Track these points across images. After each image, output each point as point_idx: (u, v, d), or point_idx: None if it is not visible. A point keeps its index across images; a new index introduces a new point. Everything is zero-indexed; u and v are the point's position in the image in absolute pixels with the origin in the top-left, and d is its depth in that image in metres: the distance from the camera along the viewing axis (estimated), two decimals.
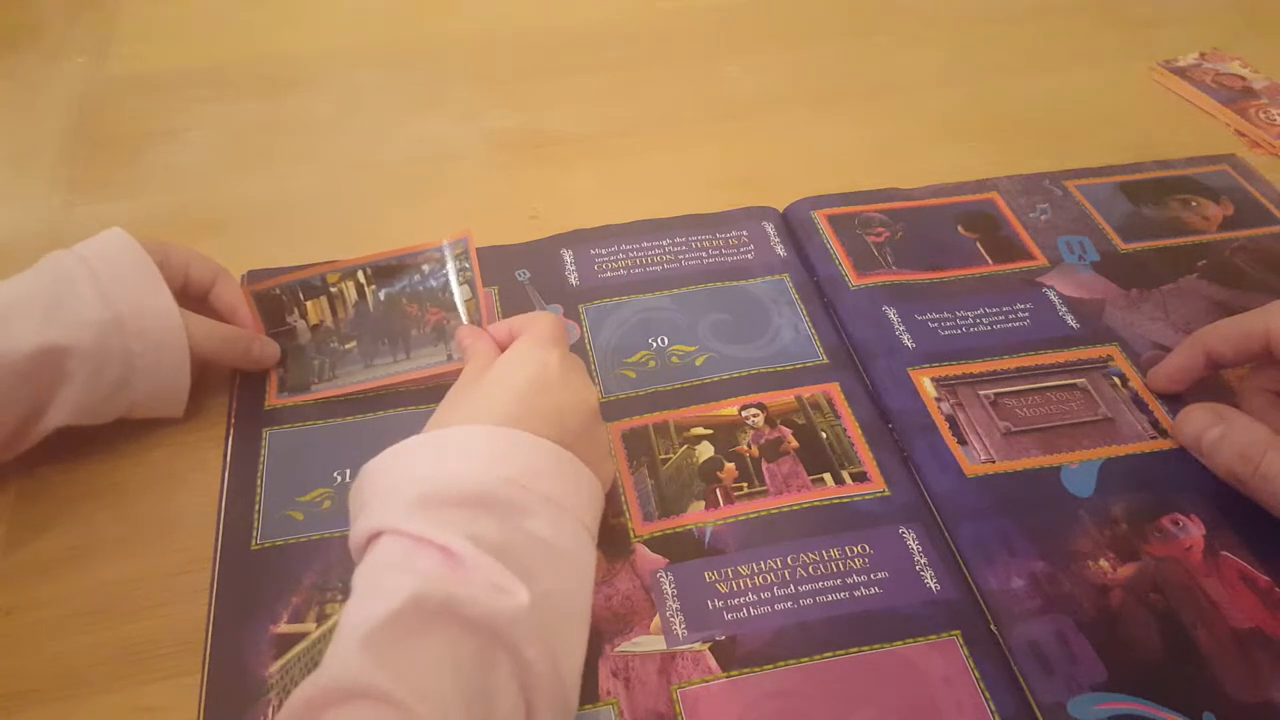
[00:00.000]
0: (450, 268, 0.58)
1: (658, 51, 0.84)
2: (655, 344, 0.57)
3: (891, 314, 0.58)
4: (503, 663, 0.35)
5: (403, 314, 0.57)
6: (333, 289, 0.58)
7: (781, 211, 0.67)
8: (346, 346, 0.56)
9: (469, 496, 0.38)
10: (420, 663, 0.33)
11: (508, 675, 0.35)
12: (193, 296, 0.53)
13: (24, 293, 0.47)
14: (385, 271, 0.59)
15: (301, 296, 0.58)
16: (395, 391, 0.54)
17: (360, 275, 0.59)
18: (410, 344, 0.56)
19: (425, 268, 0.59)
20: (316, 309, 0.58)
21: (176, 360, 0.50)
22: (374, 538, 0.38)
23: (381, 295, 0.58)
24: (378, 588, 0.36)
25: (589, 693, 0.42)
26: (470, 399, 0.44)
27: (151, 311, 0.49)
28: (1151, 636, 0.44)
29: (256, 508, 0.49)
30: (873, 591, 0.45)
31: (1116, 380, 0.55)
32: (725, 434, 0.52)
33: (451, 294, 0.58)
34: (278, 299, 0.58)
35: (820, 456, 0.51)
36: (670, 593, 0.45)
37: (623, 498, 0.49)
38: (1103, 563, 0.47)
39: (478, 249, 0.62)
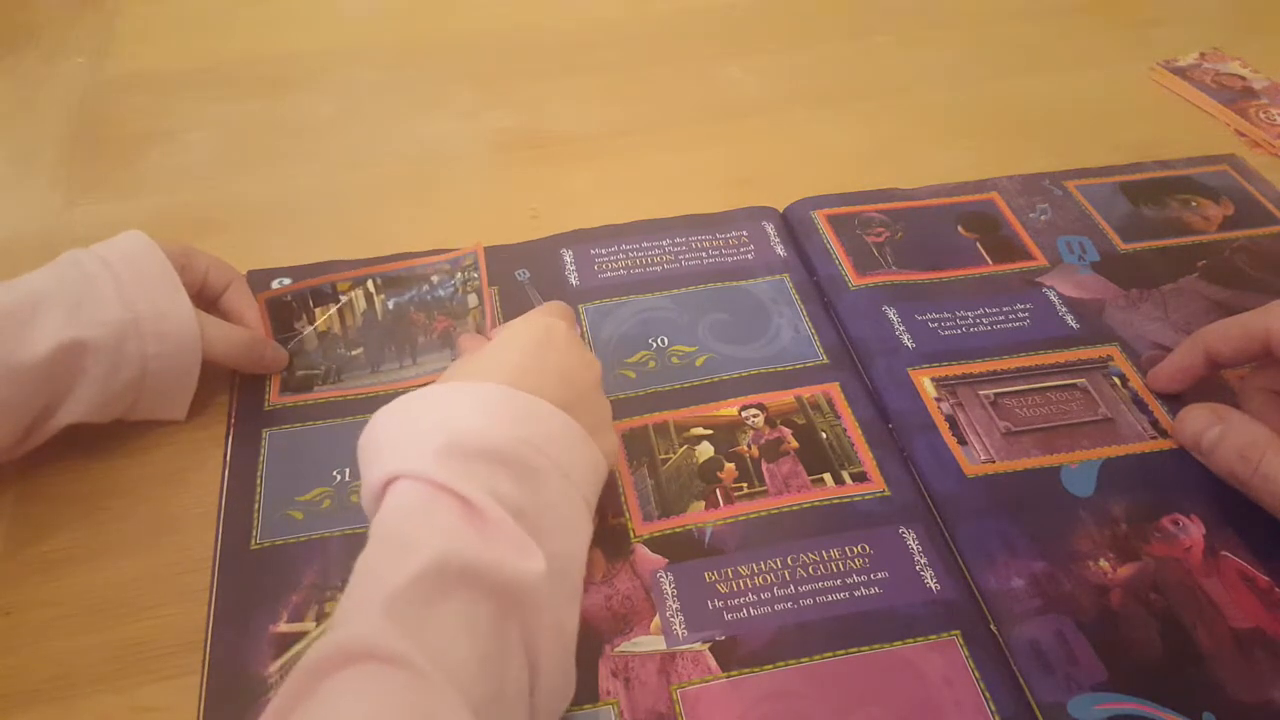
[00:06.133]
0: (458, 279, 0.59)
1: (658, 51, 0.84)
2: (655, 344, 0.57)
3: (891, 314, 0.58)
4: (514, 627, 0.35)
5: (410, 322, 0.58)
6: (343, 297, 0.59)
7: (781, 211, 0.67)
8: (353, 353, 0.56)
9: (490, 452, 0.38)
10: (440, 627, 0.33)
11: (517, 639, 0.35)
12: (206, 299, 0.54)
13: (46, 290, 0.47)
14: (394, 282, 0.60)
15: (311, 304, 0.58)
16: (396, 392, 0.54)
17: (370, 284, 0.59)
18: (417, 350, 0.56)
19: (434, 278, 0.59)
20: (325, 316, 0.58)
21: (187, 365, 0.50)
22: (389, 484, 0.38)
23: (390, 304, 0.59)
24: (400, 540, 0.36)
25: (589, 693, 0.42)
26: (478, 358, 0.44)
27: (169, 315, 0.49)
28: (1151, 636, 0.44)
29: (256, 507, 0.49)
30: (873, 591, 0.45)
31: (1116, 380, 0.55)
32: (725, 434, 0.52)
33: (459, 303, 0.58)
34: (288, 305, 0.58)
35: (820, 457, 0.51)
36: (670, 593, 0.45)
37: (623, 498, 0.49)
38: (1103, 563, 0.47)
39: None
